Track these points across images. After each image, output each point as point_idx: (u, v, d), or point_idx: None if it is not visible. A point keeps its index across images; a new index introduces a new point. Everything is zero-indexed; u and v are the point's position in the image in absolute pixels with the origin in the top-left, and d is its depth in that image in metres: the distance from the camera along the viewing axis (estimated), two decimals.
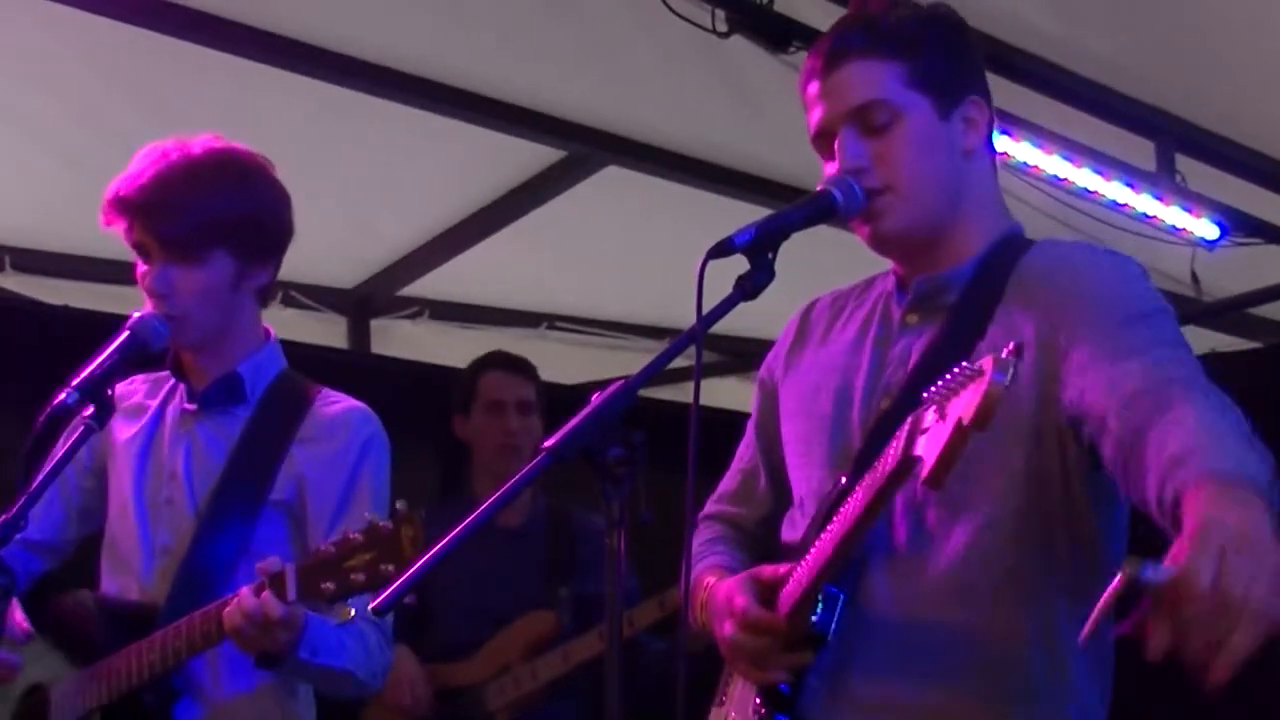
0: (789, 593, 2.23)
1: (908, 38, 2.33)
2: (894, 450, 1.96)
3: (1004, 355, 1.78)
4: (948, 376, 1.85)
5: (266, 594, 2.63)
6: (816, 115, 2.36)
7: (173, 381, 3.04)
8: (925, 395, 1.89)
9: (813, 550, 2.19)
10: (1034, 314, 2.23)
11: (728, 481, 2.66)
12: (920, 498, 2.24)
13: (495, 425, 4.64)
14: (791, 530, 2.45)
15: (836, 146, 2.32)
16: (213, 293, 2.90)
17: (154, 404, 3.05)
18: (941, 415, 1.84)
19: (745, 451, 2.65)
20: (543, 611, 4.42)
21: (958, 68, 2.38)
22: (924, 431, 1.89)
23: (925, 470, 1.85)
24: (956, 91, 2.36)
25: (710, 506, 2.66)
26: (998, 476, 2.22)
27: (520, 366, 4.76)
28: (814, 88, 2.36)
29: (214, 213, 2.86)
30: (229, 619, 2.65)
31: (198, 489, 2.94)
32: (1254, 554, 1.69)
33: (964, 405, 1.79)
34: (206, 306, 2.90)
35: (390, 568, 2.56)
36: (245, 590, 2.66)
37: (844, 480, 2.27)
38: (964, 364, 1.83)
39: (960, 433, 1.80)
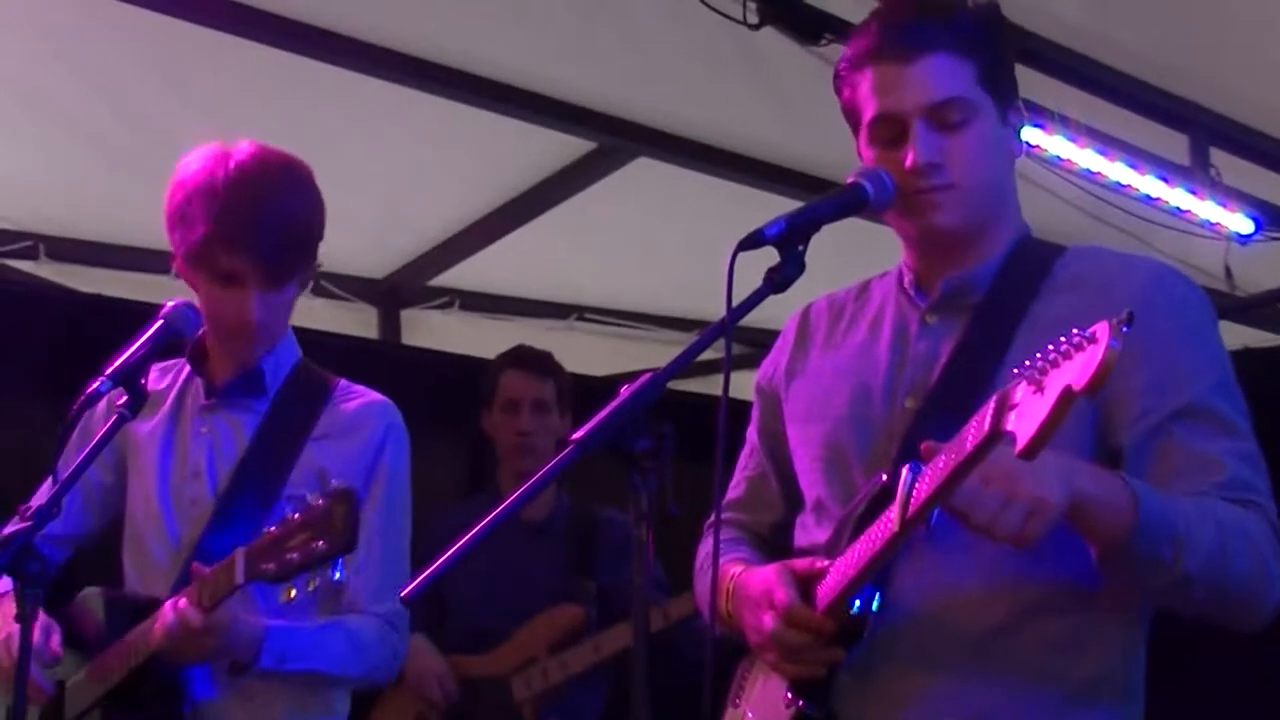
0: (827, 588, 2.22)
1: (980, 37, 2.34)
2: (976, 429, 1.93)
3: (1116, 321, 1.76)
4: (1048, 349, 1.82)
5: (183, 603, 2.65)
6: (886, 102, 2.31)
7: (186, 369, 3.03)
8: (1015, 371, 1.87)
9: (857, 545, 2.17)
10: (1086, 317, 2.17)
11: (735, 489, 2.64)
12: None
13: (509, 423, 4.67)
14: (805, 534, 2.43)
15: (912, 137, 2.29)
16: (288, 307, 2.96)
17: (170, 394, 3.04)
18: (1039, 388, 1.82)
19: (749, 459, 2.64)
20: (569, 605, 4.42)
21: (1010, 72, 2.40)
22: (1014, 407, 1.86)
23: (1022, 443, 1.82)
24: (1010, 95, 2.38)
25: (721, 514, 2.61)
26: None
27: (539, 364, 4.74)
28: (889, 72, 2.31)
29: (306, 237, 2.90)
30: (154, 638, 2.67)
31: (219, 486, 2.94)
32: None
33: (1073, 373, 1.77)
34: (280, 319, 2.96)
35: (322, 544, 2.53)
36: (167, 604, 2.67)
37: (884, 479, 2.24)
38: (1073, 332, 1.80)
39: (1066, 401, 1.78)
